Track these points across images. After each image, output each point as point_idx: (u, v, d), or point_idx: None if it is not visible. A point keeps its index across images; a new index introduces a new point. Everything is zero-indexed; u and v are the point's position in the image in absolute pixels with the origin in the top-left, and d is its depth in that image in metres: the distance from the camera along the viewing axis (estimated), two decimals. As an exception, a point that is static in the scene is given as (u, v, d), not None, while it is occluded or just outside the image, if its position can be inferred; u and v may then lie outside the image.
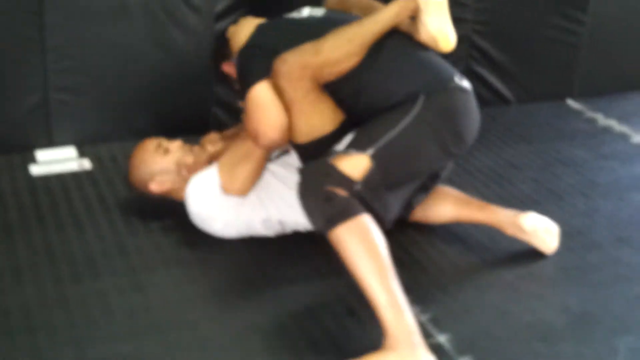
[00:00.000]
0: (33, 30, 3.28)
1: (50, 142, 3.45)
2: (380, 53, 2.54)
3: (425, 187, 2.72)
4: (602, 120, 4.13)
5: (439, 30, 2.54)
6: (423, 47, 2.61)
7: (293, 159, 2.84)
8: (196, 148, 2.92)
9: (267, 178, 2.80)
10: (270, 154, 2.80)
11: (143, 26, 3.43)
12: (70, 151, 3.43)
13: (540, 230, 2.78)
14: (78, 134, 3.49)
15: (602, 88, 4.46)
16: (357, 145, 2.43)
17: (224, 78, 2.94)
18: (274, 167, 2.85)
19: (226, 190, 2.70)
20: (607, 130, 4.03)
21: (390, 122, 2.46)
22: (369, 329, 2.43)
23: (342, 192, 2.34)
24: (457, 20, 3.85)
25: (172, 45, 3.49)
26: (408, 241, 2.86)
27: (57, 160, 3.36)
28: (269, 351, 2.33)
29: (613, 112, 4.23)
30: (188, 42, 3.51)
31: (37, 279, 2.58)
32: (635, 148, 3.83)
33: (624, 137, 3.94)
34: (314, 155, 2.53)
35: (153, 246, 2.80)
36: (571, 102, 4.34)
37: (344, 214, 2.30)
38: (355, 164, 2.39)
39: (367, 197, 2.39)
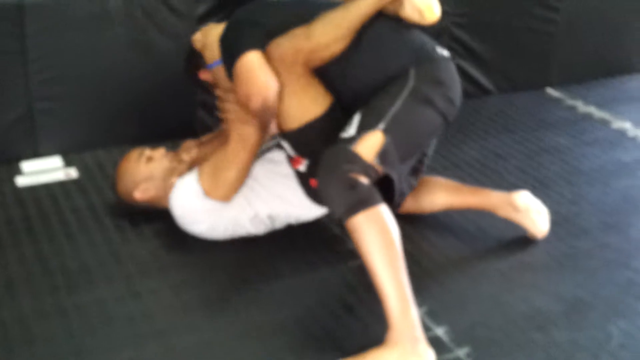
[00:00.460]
0: (14, 41, 3.26)
1: (35, 152, 3.44)
2: (365, 35, 2.57)
3: (416, 170, 2.74)
4: (581, 107, 4.18)
5: (423, 1, 2.57)
6: (406, 25, 2.64)
7: (277, 156, 2.86)
8: (174, 162, 2.92)
9: (253, 174, 2.82)
10: (255, 158, 2.80)
11: (125, 32, 3.42)
12: (55, 161, 3.42)
13: (533, 211, 2.85)
14: (63, 143, 3.48)
15: (580, 75, 4.51)
16: (367, 125, 2.44)
17: (202, 86, 2.94)
18: (259, 163, 2.86)
19: (210, 196, 2.72)
20: (587, 117, 4.07)
21: (391, 97, 2.50)
22: (367, 325, 2.46)
23: (364, 179, 2.35)
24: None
25: (154, 50, 3.49)
26: (399, 234, 2.88)
27: (43, 170, 3.35)
28: (269, 352, 2.34)
29: (592, 98, 4.28)
30: (170, 46, 3.50)
31: (32, 290, 2.57)
32: (616, 134, 3.87)
33: (604, 123, 3.99)
34: (306, 142, 2.58)
35: (147, 252, 2.81)
36: (550, 91, 4.39)
37: (366, 202, 2.31)
38: (371, 144, 2.40)
39: (386, 170, 2.41)
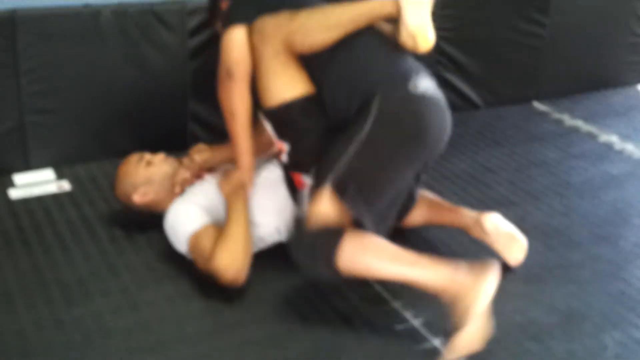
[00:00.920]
0: (6, 54, 3.26)
1: (27, 165, 3.43)
2: (354, 40, 2.59)
3: (410, 193, 2.76)
4: (568, 120, 4.23)
5: (418, 27, 2.54)
6: (396, 46, 2.63)
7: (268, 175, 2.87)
8: (185, 160, 2.95)
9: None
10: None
11: (116, 45, 3.42)
12: (48, 173, 3.41)
13: (503, 235, 2.80)
14: (55, 156, 3.47)
15: (566, 89, 4.57)
16: (317, 183, 2.48)
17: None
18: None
19: (224, 273, 2.60)
20: (574, 130, 4.12)
21: (344, 144, 2.48)
22: (363, 337, 2.47)
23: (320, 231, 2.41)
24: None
25: (146, 63, 3.49)
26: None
27: (35, 183, 3.34)
28: (268, 363, 2.35)
29: (578, 112, 4.33)
30: (162, 59, 3.51)
31: (29, 303, 2.57)
32: (603, 147, 3.92)
33: (591, 136, 4.04)
34: (284, 123, 2.63)
35: (142, 263, 2.81)
36: (537, 104, 4.43)
37: (331, 246, 2.37)
38: (324, 205, 2.43)
39: (355, 215, 2.44)
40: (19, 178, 3.37)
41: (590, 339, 2.48)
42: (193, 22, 3.52)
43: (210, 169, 2.97)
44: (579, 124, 4.18)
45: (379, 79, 2.55)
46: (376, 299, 2.64)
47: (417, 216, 2.95)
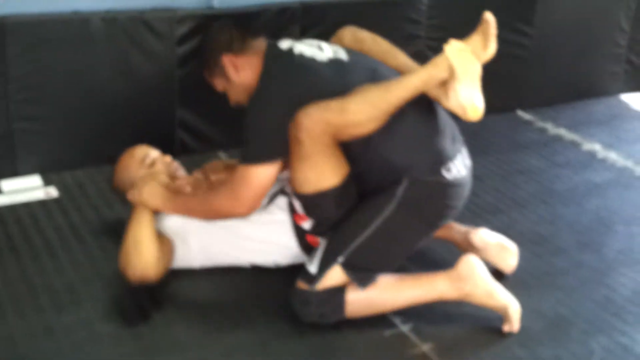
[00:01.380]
0: (-6, 61, 3.27)
1: (15, 171, 3.42)
2: (394, 121, 2.48)
3: None
4: (552, 129, 4.27)
5: (470, 99, 2.43)
6: (439, 118, 2.59)
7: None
8: (197, 174, 2.96)
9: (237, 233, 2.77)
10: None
11: (105, 52, 3.43)
12: (35, 180, 3.41)
13: (493, 247, 2.82)
14: (43, 163, 3.47)
15: (549, 98, 4.62)
16: (328, 257, 2.51)
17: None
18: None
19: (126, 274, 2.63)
20: (557, 139, 4.17)
21: (361, 225, 2.51)
22: (353, 342, 2.49)
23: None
24: (410, 37, 4.01)
25: (135, 70, 3.50)
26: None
27: (22, 189, 3.34)
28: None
29: (561, 121, 4.38)
30: (150, 67, 3.52)
31: (18, 310, 2.56)
32: (586, 155, 3.97)
33: (574, 145, 4.09)
34: (317, 206, 2.58)
35: (131, 271, 2.81)
36: (521, 113, 4.48)
37: (336, 306, 2.50)
38: (332, 278, 2.49)
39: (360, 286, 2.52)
40: (5, 184, 3.36)
41: (577, 344, 2.52)
42: (182, 29, 3.53)
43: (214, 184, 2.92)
44: (563, 132, 4.23)
45: (413, 163, 2.49)
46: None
47: None
